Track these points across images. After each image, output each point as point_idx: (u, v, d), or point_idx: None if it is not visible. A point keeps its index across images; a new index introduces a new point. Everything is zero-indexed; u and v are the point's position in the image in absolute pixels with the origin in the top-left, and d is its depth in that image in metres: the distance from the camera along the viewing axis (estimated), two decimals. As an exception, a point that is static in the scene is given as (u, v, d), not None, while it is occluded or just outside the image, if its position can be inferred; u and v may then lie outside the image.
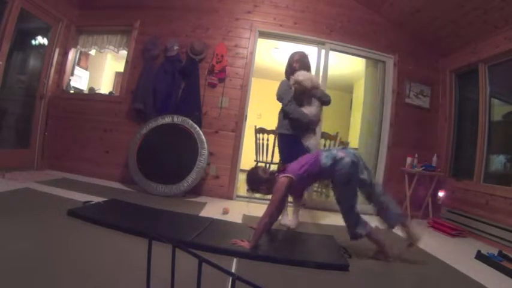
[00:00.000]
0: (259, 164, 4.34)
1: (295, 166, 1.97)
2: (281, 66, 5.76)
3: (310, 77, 2.53)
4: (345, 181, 1.88)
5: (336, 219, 2.65)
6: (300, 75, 2.48)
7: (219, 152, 3.51)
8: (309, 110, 2.53)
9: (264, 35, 3.74)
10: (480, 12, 2.91)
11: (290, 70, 2.66)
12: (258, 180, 1.98)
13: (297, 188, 2.04)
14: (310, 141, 2.55)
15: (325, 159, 1.91)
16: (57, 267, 1.29)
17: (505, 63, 3.08)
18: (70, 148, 3.68)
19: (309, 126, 2.57)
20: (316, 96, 2.59)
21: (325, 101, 2.63)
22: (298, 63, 2.66)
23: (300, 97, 2.55)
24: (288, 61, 2.75)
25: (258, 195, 2.14)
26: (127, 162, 3.29)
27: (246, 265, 1.61)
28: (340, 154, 1.91)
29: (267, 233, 2.13)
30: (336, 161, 1.89)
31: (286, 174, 1.91)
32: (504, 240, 2.63)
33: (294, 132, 2.56)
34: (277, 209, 1.95)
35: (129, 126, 3.55)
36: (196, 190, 3.37)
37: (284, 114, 2.60)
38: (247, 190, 2.05)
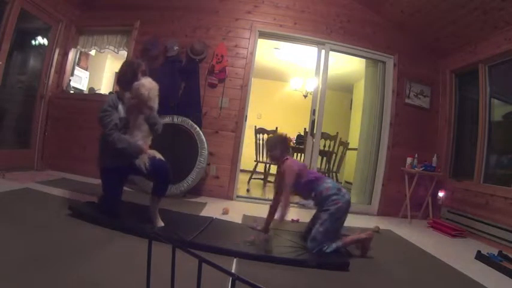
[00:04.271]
0: (261, 163, 4.37)
1: (299, 164, 2.08)
2: (281, 67, 5.85)
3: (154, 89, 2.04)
4: (338, 216, 1.88)
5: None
6: (146, 84, 1.97)
7: (219, 152, 3.51)
8: (137, 137, 2.03)
9: (264, 35, 3.74)
10: (480, 13, 2.91)
11: (131, 78, 2.05)
12: (281, 142, 2.08)
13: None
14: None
15: (331, 184, 1.95)
16: (57, 267, 1.29)
17: (505, 63, 3.08)
18: (70, 148, 3.68)
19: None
20: (151, 120, 2.08)
21: (157, 129, 2.15)
22: (143, 74, 2.11)
23: (130, 116, 2.03)
24: (132, 68, 2.12)
25: (257, 195, 2.14)
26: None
27: (246, 265, 1.62)
28: (343, 189, 1.97)
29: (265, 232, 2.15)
30: (339, 191, 1.92)
31: (292, 159, 2.00)
32: (504, 240, 2.63)
33: (120, 162, 2.03)
34: (290, 193, 1.93)
35: (129, 126, 3.54)
36: (196, 190, 3.37)
37: (106, 142, 1.96)
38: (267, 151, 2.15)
